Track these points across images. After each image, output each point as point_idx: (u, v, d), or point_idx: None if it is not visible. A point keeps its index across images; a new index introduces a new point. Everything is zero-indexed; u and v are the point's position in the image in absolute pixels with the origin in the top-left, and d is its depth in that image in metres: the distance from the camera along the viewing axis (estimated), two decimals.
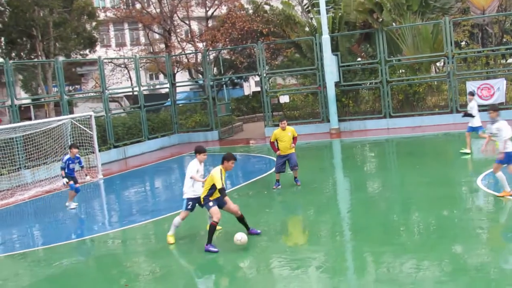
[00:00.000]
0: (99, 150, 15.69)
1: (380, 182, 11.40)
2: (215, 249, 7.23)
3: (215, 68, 25.31)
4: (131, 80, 27.19)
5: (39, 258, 8.11)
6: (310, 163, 13.92)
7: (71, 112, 23.64)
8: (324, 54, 19.73)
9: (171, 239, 7.86)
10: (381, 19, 20.35)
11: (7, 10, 20.87)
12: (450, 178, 10.73)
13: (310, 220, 8.90)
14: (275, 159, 14.37)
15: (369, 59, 21.96)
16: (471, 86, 19.02)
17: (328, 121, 20.33)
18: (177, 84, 24.32)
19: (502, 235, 7.21)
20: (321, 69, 20.29)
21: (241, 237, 7.16)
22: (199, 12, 26.51)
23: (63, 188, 13.52)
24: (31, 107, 30.29)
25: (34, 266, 7.72)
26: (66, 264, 7.55)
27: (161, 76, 34.62)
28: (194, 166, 7.80)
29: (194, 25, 27.85)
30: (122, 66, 28.23)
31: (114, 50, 32.54)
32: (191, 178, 7.76)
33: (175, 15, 24.83)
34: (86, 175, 11.89)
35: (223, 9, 25.35)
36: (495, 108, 9.17)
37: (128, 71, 28.07)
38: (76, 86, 30.22)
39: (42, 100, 22.49)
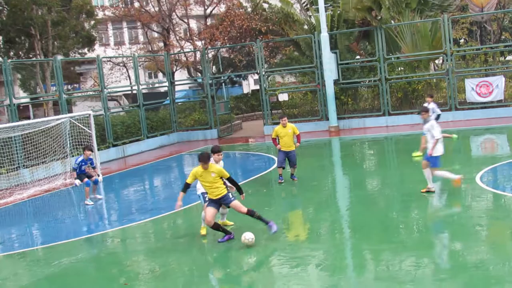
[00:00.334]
0: (98, 149, 15.66)
1: (379, 180, 11.40)
2: (227, 237, 7.47)
3: (214, 67, 25.29)
4: (130, 79, 27.19)
5: (38, 258, 8.11)
6: (309, 161, 13.92)
7: (70, 111, 23.64)
8: (323, 52, 19.72)
9: (203, 231, 8.03)
10: (379, 17, 20.34)
11: (5, 8, 20.81)
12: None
13: (310, 218, 8.90)
14: (274, 157, 14.38)
15: (368, 57, 21.95)
16: (469, 83, 19.05)
17: (327, 119, 20.33)
18: (176, 83, 24.31)
19: (501, 232, 7.22)
20: (320, 67, 20.28)
21: (250, 237, 7.11)
22: (197, 10, 26.48)
23: (62, 187, 13.53)
24: (30, 106, 30.25)
25: (33, 266, 7.72)
26: (66, 263, 7.55)
27: (160, 75, 34.60)
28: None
29: (193, 24, 27.83)
30: (121, 64, 28.20)
31: (113, 49, 32.51)
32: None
33: (173, 13, 24.80)
34: (98, 176, 11.89)
35: (222, 7, 25.33)
36: (425, 109, 9.45)
37: (127, 70, 28.04)
38: (75, 85, 30.18)
39: (41, 99, 22.44)
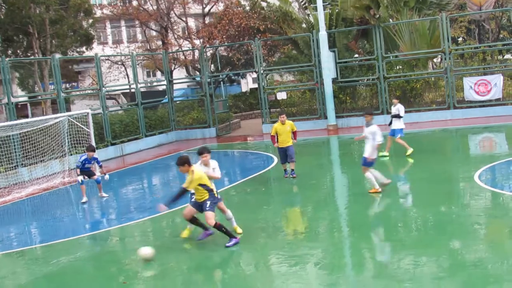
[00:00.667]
0: (97, 148, 15.63)
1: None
2: (234, 241, 7.31)
3: (212, 65, 25.27)
4: (128, 77, 27.13)
5: (37, 256, 8.10)
6: (308, 160, 13.93)
7: (68, 109, 23.61)
8: (321, 50, 19.72)
9: (185, 233, 7.95)
10: (378, 16, 20.33)
11: (3, 7, 20.75)
12: (448, 174, 10.75)
13: (308, 216, 8.91)
14: (273, 155, 14.39)
15: (366, 56, 21.96)
16: (467, 82, 19.07)
17: (326, 117, 20.34)
18: (174, 81, 24.27)
19: (499, 230, 7.24)
20: (318, 66, 20.28)
21: (146, 252, 6.94)
22: (196, 9, 26.43)
23: (60, 185, 13.52)
24: (28, 104, 30.18)
25: (32, 264, 7.71)
26: (64, 261, 7.54)
27: (158, 73, 34.55)
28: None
29: (191, 22, 27.78)
30: (119, 63, 28.13)
31: (111, 47, 32.40)
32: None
33: (172, 12, 24.74)
34: (105, 174, 11.89)
35: (220, 6, 25.28)
36: (369, 112, 9.61)
37: (125, 68, 27.96)
38: (73, 84, 30.15)
39: (39, 97, 22.40)
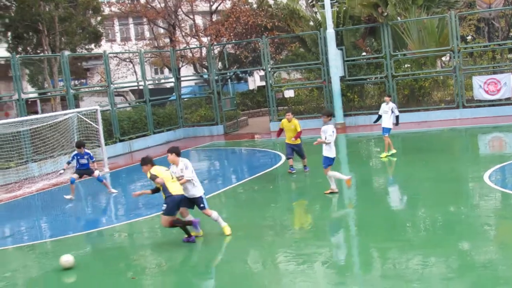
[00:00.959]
0: (105, 144, 15.75)
1: (385, 178, 11.40)
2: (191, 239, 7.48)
3: (219, 63, 25.29)
4: (136, 75, 27.24)
5: (47, 250, 8.19)
6: (315, 158, 13.88)
7: (77, 106, 23.71)
8: (329, 48, 19.66)
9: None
10: (386, 13, 20.23)
11: (14, 5, 20.91)
12: (457, 174, 10.70)
13: (316, 215, 8.92)
14: (280, 153, 14.43)
15: (374, 54, 21.86)
16: (476, 81, 18.92)
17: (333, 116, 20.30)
18: (182, 79, 24.34)
19: (509, 231, 7.19)
20: (326, 64, 20.22)
21: (67, 258, 6.96)
22: (203, 6, 26.45)
23: (69, 181, 13.61)
24: (38, 101, 30.41)
25: (42, 258, 7.81)
26: (74, 256, 7.61)
27: (166, 71, 34.61)
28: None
29: (199, 20, 27.82)
30: (127, 60, 28.25)
31: (119, 45, 32.58)
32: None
33: (179, 9, 24.79)
34: (95, 169, 11.99)
35: (228, 4, 25.28)
36: (328, 113, 9.48)
37: (133, 66, 28.08)
38: (82, 80, 30.27)
39: (49, 94, 22.57)
